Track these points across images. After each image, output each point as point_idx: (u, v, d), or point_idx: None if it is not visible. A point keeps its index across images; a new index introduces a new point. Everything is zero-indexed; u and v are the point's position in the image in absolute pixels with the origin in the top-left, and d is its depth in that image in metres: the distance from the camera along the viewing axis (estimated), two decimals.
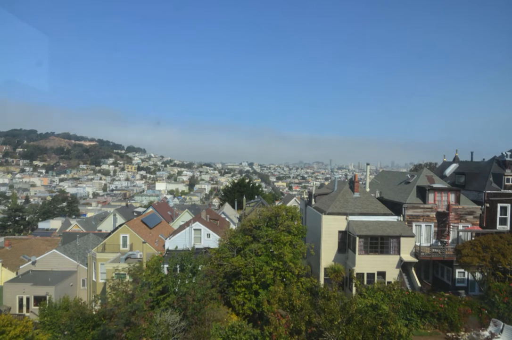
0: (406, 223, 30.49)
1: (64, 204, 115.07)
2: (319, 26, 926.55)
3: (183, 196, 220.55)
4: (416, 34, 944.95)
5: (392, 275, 27.96)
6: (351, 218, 30.40)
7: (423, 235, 30.90)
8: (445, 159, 42.43)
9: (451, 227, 30.59)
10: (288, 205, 46.01)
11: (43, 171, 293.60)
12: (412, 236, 28.94)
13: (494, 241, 25.21)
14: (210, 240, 37.07)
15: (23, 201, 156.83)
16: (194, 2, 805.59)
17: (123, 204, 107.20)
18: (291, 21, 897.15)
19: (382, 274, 28.20)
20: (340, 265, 29.92)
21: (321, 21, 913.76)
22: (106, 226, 63.85)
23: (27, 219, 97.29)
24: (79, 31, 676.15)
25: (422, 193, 31.54)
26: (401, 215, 30.77)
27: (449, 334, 21.92)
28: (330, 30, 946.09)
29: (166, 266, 27.62)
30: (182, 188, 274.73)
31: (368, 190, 35.25)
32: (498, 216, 30.99)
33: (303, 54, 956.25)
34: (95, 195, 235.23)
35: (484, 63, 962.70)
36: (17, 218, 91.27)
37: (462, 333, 21.64)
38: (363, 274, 28.13)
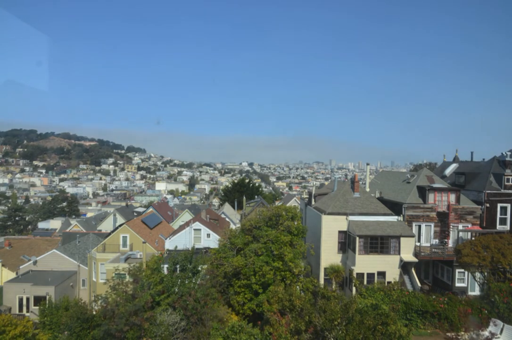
0: (406, 223, 30.50)
1: (64, 204, 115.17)
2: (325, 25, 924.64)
3: (183, 196, 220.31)
4: (420, 33, 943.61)
5: (392, 275, 27.97)
6: (351, 218, 30.41)
7: (423, 235, 30.90)
8: (445, 159, 42.48)
9: (451, 227, 30.60)
10: (288, 205, 46.00)
11: (43, 171, 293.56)
12: (412, 236, 28.96)
13: (494, 241, 25.24)
14: (210, 240, 37.09)
15: (23, 201, 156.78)
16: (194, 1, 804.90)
17: (123, 204, 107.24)
18: (291, 18, 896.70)
19: (382, 274, 28.21)
20: (340, 265, 29.97)
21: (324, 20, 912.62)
22: (106, 226, 63.84)
23: (27, 219, 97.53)
24: (79, 31, 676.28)
25: (422, 193, 31.55)
26: (401, 215, 30.78)
27: (449, 334, 21.94)
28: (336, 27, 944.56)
29: (166, 266, 27.62)
30: (182, 188, 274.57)
31: (368, 190, 35.27)
32: (498, 216, 31.01)
33: (302, 54, 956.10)
34: (95, 195, 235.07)
35: (485, 63, 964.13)
36: (17, 218, 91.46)
37: (462, 333, 21.65)
38: (363, 274, 28.13)
